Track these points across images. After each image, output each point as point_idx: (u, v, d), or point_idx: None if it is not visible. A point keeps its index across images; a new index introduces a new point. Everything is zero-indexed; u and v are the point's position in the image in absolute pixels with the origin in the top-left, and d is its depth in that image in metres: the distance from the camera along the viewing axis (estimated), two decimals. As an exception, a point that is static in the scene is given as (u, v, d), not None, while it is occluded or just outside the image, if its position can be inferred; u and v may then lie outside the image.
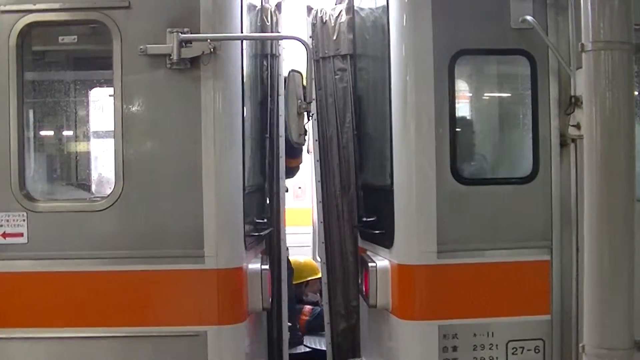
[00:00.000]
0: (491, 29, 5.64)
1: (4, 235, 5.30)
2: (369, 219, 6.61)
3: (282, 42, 7.26)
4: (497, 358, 5.62)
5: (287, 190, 7.80)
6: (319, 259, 8.36)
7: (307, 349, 8.48)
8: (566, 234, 5.66)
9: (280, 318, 7.30)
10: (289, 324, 7.54)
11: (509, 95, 6.37)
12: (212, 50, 5.19)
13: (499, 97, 6.44)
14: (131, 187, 5.29)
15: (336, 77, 7.45)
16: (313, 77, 6.86)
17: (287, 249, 7.61)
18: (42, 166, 6.41)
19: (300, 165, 8.48)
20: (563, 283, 5.68)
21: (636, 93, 4.56)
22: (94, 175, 6.99)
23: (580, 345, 3.89)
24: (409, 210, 5.58)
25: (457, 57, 5.55)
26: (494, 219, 5.63)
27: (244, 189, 5.53)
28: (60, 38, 5.72)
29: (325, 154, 7.55)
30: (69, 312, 5.32)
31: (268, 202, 6.98)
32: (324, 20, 7.53)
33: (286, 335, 7.34)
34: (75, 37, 5.74)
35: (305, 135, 7.51)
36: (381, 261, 5.97)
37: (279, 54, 7.21)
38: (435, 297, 5.59)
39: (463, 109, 6.03)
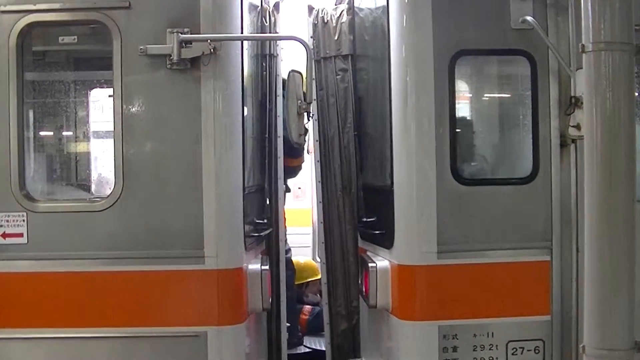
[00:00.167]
0: (491, 30, 5.64)
1: (4, 235, 5.30)
2: (369, 220, 6.61)
3: (281, 43, 7.26)
4: (497, 358, 5.62)
5: (289, 190, 7.81)
6: (318, 260, 8.36)
7: (307, 350, 8.48)
8: (566, 234, 5.66)
9: (280, 318, 7.30)
10: (288, 324, 7.53)
11: (509, 95, 6.37)
12: (212, 50, 5.18)
13: (499, 97, 6.44)
14: (131, 188, 5.29)
15: (337, 77, 7.46)
16: (313, 77, 6.87)
17: (290, 249, 7.62)
18: (42, 166, 6.42)
19: (302, 165, 8.47)
20: (563, 283, 5.67)
21: (637, 94, 4.54)
22: (94, 176, 6.99)
23: (581, 345, 3.88)
24: (409, 210, 5.58)
25: (457, 58, 5.54)
26: (494, 220, 5.63)
27: (244, 189, 5.53)
28: (60, 38, 5.72)
29: (327, 154, 7.55)
30: (69, 313, 5.32)
31: (269, 202, 6.98)
32: (326, 21, 7.53)
33: (284, 335, 7.33)
34: (76, 37, 5.74)
35: (306, 135, 7.51)
36: (381, 261, 5.98)
37: (277, 54, 7.21)
38: (435, 298, 5.59)
39: (463, 109, 6.03)
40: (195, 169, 5.27)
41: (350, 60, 7.43)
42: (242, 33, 5.61)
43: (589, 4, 3.78)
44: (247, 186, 5.66)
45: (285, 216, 7.58)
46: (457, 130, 5.62)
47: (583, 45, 3.81)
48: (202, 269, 5.28)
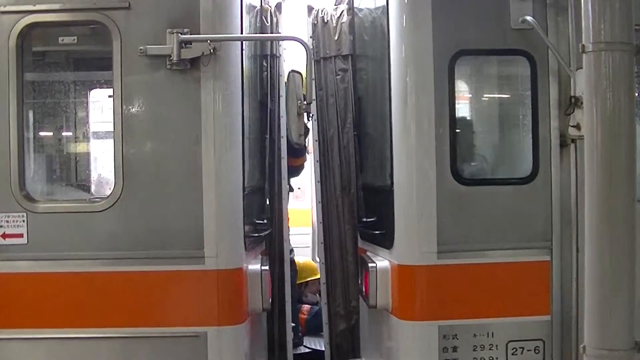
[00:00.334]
0: (491, 30, 5.64)
1: (4, 236, 5.30)
2: (369, 220, 6.61)
3: (283, 43, 7.26)
4: (497, 358, 5.62)
5: (292, 190, 7.81)
6: (318, 260, 8.36)
7: (307, 350, 8.48)
8: (566, 234, 5.66)
9: (284, 318, 7.31)
10: (293, 324, 7.55)
11: (509, 95, 6.37)
12: (212, 51, 5.19)
13: (499, 97, 6.45)
14: (131, 188, 5.29)
15: (337, 77, 7.45)
16: (313, 77, 6.86)
17: (293, 250, 7.63)
18: (42, 167, 6.41)
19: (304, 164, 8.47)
20: (563, 283, 5.68)
21: (637, 94, 4.54)
22: (94, 176, 6.99)
23: (581, 345, 3.89)
24: (409, 210, 5.58)
25: (457, 58, 5.55)
26: (494, 220, 5.63)
27: (244, 190, 5.53)
28: (60, 39, 5.72)
29: (326, 154, 7.55)
30: (69, 313, 5.32)
31: (269, 202, 6.99)
32: (325, 21, 7.52)
33: (290, 335, 7.35)
34: (75, 37, 5.74)
35: (307, 135, 7.51)
36: (381, 261, 5.98)
37: (280, 55, 7.21)
38: (435, 298, 5.59)
39: (463, 109, 6.03)
40: (195, 169, 5.27)
41: (350, 61, 7.42)
42: (241, 33, 5.60)
43: (589, 4, 3.78)
44: (247, 186, 5.66)
45: (288, 216, 7.59)
46: (457, 130, 5.62)
47: (583, 46, 3.81)
48: (202, 269, 5.29)
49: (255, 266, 5.72)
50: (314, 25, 7.60)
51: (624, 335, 3.79)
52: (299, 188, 11.73)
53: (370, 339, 6.94)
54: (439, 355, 5.54)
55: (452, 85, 5.55)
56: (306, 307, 9.20)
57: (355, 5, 7.27)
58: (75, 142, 7.01)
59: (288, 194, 7.49)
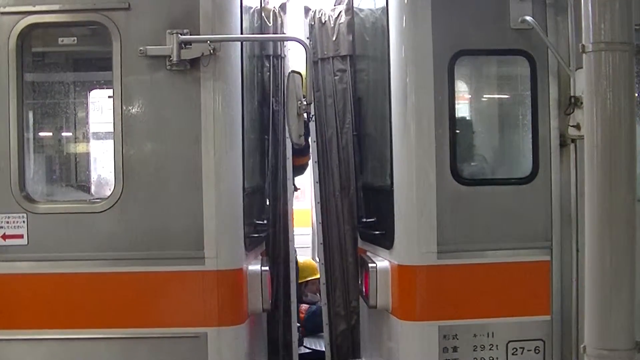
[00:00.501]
0: (491, 30, 5.64)
1: (4, 236, 5.30)
2: (369, 220, 6.61)
3: (287, 44, 7.26)
4: (497, 358, 5.63)
5: (297, 189, 7.82)
6: (317, 260, 8.36)
7: (308, 350, 8.48)
8: (566, 234, 5.67)
9: (288, 318, 7.32)
10: (298, 324, 7.56)
11: (509, 95, 6.38)
12: (211, 51, 5.18)
13: (498, 97, 6.45)
14: (131, 189, 5.29)
15: (335, 78, 7.45)
16: (312, 78, 6.86)
17: (295, 250, 7.64)
18: (42, 167, 6.41)
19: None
20: (563, 283, 5.68)
21: (637, 94, 4.54)
22: (94, 177, 6.99)
23: (582, 346, 3.88)
24: (409, 210, 5.58)
25: (457, 58, 5.55)
26: (494, 220, 5.64)
27: (244, 190, 5.53)
28: (60, 39, 5.72)
29: (325, 155, 7.55)
30: (69, 314, 5.32)
31: (273, 202, 7.00)
32: (323, 21, 7.52)
33: (296, 335, 7.37)
34: (75, 38, 5.74)
35: (307, 136, 7.51)
36: (381, 262, 5.98)
37: (285, 55, 7.21)
38: (435, 298, 5.59)
39: (463, 109, 6.04)
40: (195, 170, 5.27)
41: (349, 61, 7.43)
42: (241, 34, 5.60)
43: (589, 4, 3.78)
44: (247, 187, 5.66)
45: (293, 217, 7.60)
46: (457, 130, 5.63)
47: (583, 46, 3.80)
48: (202, 270, 5.29)
49: (255, 267, 5.72)
50: (311, 26, 7.60)
51: (624, 335, 3.78)
52: (298, 189, 11.74)
53: (371, 339, 6.94)
54: (439, 356, 5.55)
55: (451, 85, 5.55)
56: (304, 306, 9.20)
57: (355, 5, 7.27)
58: (75, 142, 7.01)
59: (293, 194, 7.51)
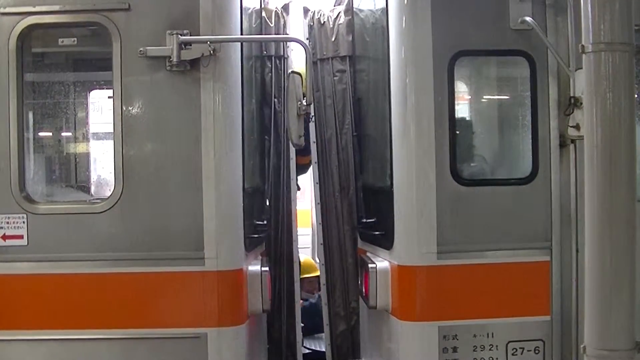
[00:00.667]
0: (490, 30, 5.64)
1: (4, 237, 5.30)
2: (369, 220, 6.61)
3: (290, 44, 7.26)
4: (497, 359, 5.62)
5: (299, 189, 7.83)
6: (317, 260, 8.37)
7: (307, 351, 8.47)
8: (566, 234, 5.67)
9: (293, 319, 7.33)
10: (302, 324, 7.57)
11: (509, 96, 6.38)
12: (211, 52, 5.18)
13: (498, 97, 6.46)
14: (131, 189, 5.29)
15: (335, 78, 7.46)
16: (312, 78, 6.87)
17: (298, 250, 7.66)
18: (42, 168, 6.41)
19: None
20: (563, 284, 5.68)
21: (637, 94, 4.54)
22: (94, 177, 7.00)
23: (582, 346, 3.88)
24: (409, 211, 5.58)
25: (457, 58, 5.55)
26: (493, 220, 5.64)
27: (244, 190, 5.53)
28: (60, 40, 5.72)
29: (324, 155, 7.56)
30: (69, 314, 5.32)
31: (275, 202, 7.00)
32: (322, 22, 7.53)
33: (300, 335, 7.38)
34: (75, 39, 5.74)
35: (307, 136, 7.51)
36: (381, 262, 5.98)
37: (288, 56, 7.22)
38: (435, 298, 5.59)
39: (463, 110, 6.04)
40: (195, 170, 5.27)
41: (349, 62, 7.43)
42: (241, 35, 5.61)
43: (589, 4, 3.78)
44: (247, 187, 5.66)
45: (297, 217, 7.60)
46: (457, 130, 5.63)
47: (583, 46, 3.80)
48: (202, 270, 5.29)
49: (255, 267, 5.72)
50: (310, 27, 7.60)
51: (624, 335, 3.78)
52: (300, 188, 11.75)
53: (370, 339, 6.94)
54: (439, 356, 5.54)
55: (451, 86, 5.55)
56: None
57: (355, 6, 7.28)
58: (75, 143, 7.01)
59: (296, 194, 7.53)
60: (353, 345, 7.57)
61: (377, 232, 6.24)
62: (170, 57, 5.18)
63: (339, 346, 7.61)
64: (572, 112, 5.50)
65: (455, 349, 5.57)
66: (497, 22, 5.61)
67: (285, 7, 7.40)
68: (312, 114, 7.34)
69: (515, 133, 6.10)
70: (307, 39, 7.51)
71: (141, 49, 5.23)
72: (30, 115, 5.88)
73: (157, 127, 5.32)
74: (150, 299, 5.33)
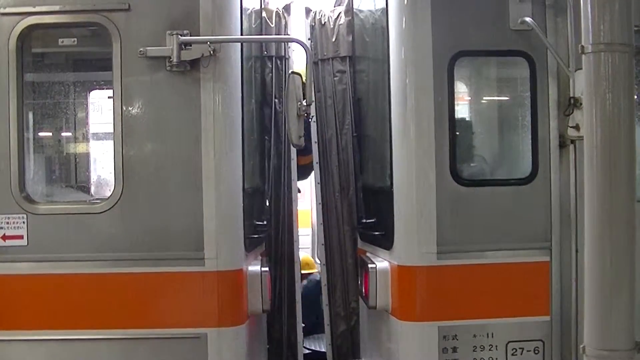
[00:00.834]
0: (490, 31, 5.65)
1: (4, 237, 5.30)
2: (368, 221, 6.61)
3: (291, 44, 7.27)
4: (496, 359, 5.63)
5: (299, 191, 7.84)
6: (317, 261, 8.37)
7: (307, 351, 8.47)
8: (565, 235, 5.67)
9: (294, 319, 7.33)
10: (303, 324, 7.57)
11: (508, 96, 6.39)
12: (211, 52, 5.19)
13: (498, 98, 6.46)
14: (131, 190, 5.29)
15: (335, 79, 7.47)
16: (312, 79, 6.88)
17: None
18: (42, 168, 6.42)
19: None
20: (562, 284, 5.68)
21: (636, 95, 4.54)
22: (94, 177, 7.00)
23: (581, 346, 3.89)
24: (409, 211, 5.59)
25: (457, 59, 5.56)
26: (493, 220, 5.64)
27: (243, 191, 5.53)
28: (60, 40, 5.72)
29: (325, 156, 7.56)
30: (69, 315, 5.32)
31: (276, 202, 6.99)
32: (323, 22, 7.54)
33: (300, 336, 7.38)
34: (75, 39, 5.74)
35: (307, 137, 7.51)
36: (381, 262, 5.98)
37: (289, 56, 7.22)
38: (435, 298, 5.60)
39: (462, 110, 6.04)
40: (195, 171, 5.27)
41: (349, 62, 7.44)
42: (241, 35, 5.61)
43: (589, 5, 3.79)
44: (246, 187, 5.66)
45: (297, 217, 7.60)
46: (457, 131, 5.63)
47: (583, 47, 3.81)
48: (202, 271, 5.29)
49: (255, 267, 5.72)
50: (312, 27, 7.62)
51: (624, 335, 3.78)
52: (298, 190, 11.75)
53: (370, 339, 6.94)
54: (439, 356, 5.55)
55: (451, 86, 5.56)
56: None
57: (355, 6, 7.28)
58: (75, 143, 7.01)
59: (297, 194, 7.53)
60: (353, 345, 7.57)
61: (377, 233, 6.25)
62: (170, 58, 5.19)
63: (339, 346, 7.62)
64: (572, 112, 5.50)
65: (455, 349, 5.57)
66: (497, 22, 5.62)
67: (286, 8, 7.41)
68: (312, 114, 7.34)
69: (515, 133, 6.10)
70: (309, 39, 7.52)
71: (141, 49, 5.23)
72: (30, 115, 5.88)
73: (157, 127, 5.32)
74: (150, 299, 5.33)
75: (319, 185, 7.65)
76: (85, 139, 7.04)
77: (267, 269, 5.86)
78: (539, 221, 5.67)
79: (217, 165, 5.28)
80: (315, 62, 7.47)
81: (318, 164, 7.61)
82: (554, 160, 5.68)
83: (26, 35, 5.39)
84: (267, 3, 7.33)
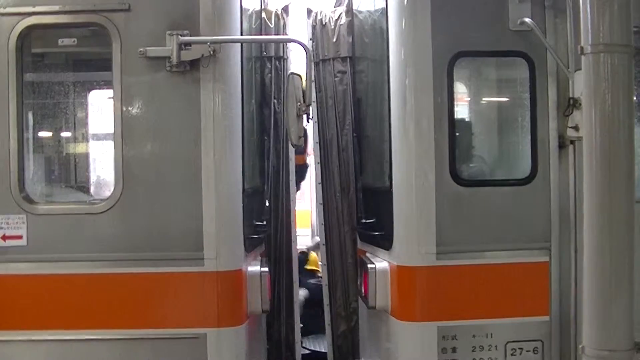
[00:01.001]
0: (490, 31, 5.65)
1: (4, 237, 5.30)
2: (368, 221, 6.61)
3: (290, 45, 7.27)
4: (496, 359, 5.63)
5: (298, 189, 7.85)
6: (320, 262, 8.38)
7: (307, 351, 8.48)
8: (565, 235, 5.67)
9: (292, 319, 7.33)
10: (302, 325, 7.57)
11: (508, 97, 6.39)
12: (211, 52, 5.19)
13: (497, 99, 6.46)
14: (130, 190, 5.29)
15: (336, 79, 7.48)
16: (313, 79, 6.89)
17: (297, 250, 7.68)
18: (42, 168, 6.42)
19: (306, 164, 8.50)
20: (562, 284, 5.69)
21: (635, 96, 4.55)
22: (93, 178, 6.99)
23: (580, 346, 3.89)
24: (409, 211, 5.59)
25: (456, 59, 5.56)
26: (493, 221, 5.64)
27: (243, 191, 5.53)
28: (59, 40, 5.72)
29: (325, 156, 7.57)
30: (69, 315, 5.31)
31: (275, 203, 6.99)
32: (324, 23, 7.55)
33: (299, 336, 7.38)
34: (75, 39, 5.74)
35: (306, 137, 7.52)
36: (380, 263, 5.99)
37: (287, 57, 7.22)
38: (434, 299, 5.60)
39: (462, 111, 6.05)
40: (195, 171, 5.27)
41: (349, 62, 7.44)
42: (241, 35, 5.61)
43: (588, 5, 3.79)
44: (246, 188, 5.66)
45: (296, 217, 7.61)
46: (456, 131, 5.63)
47: (582, 47, 3.82)
48: (201, 271, 5.29)
49: (254, 267, 5.73)
50: (313, 28, 7.62)
51: (623, 335, 3.79)
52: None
53: (370, 339, 6.94)
54: (438, 356, 5.55)
55: (451, 87, 5.56)
56: None
57: (354, 7, 7.29)
58: (75, 143, 7.01)
59: (295, 194, 7.54)
60: (353, 345, 7.58)
61: (376, 233, 6.25)
62: (170, 58, 5.19)
63: (339, 346, 7.62)
64: (571, 113, 5.51)
65: (454, 349, 5.58)
66: (497, 23, 5.62)
67: (285, 8, 7.41)
68: (312, 114, 7.34)
69: (514, 134, 6.10)
70: (310, 39, 7.53)
71: (141, 49, 5.23)
72: (30, 115, 5.89)
73: (156, 127, 5.32)
74: (149, 299, 5.33)
75: (320, 186, 7.64)
76: (85, 139, 7.04)
77: (266, 269, 5.86)
78: (539, 221, 5.67)
79: (216, 166, 5.28)
80: (316, 62, 7.48)
81: (319, 164, 7.61)
82: (553, 161, 5.68)
83: (26, 35, 5.39)
84: (267, 4, 7.33)
